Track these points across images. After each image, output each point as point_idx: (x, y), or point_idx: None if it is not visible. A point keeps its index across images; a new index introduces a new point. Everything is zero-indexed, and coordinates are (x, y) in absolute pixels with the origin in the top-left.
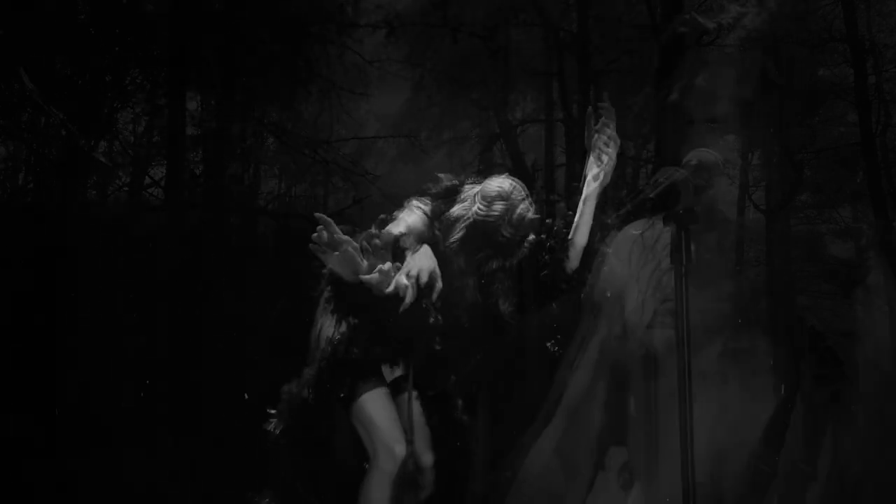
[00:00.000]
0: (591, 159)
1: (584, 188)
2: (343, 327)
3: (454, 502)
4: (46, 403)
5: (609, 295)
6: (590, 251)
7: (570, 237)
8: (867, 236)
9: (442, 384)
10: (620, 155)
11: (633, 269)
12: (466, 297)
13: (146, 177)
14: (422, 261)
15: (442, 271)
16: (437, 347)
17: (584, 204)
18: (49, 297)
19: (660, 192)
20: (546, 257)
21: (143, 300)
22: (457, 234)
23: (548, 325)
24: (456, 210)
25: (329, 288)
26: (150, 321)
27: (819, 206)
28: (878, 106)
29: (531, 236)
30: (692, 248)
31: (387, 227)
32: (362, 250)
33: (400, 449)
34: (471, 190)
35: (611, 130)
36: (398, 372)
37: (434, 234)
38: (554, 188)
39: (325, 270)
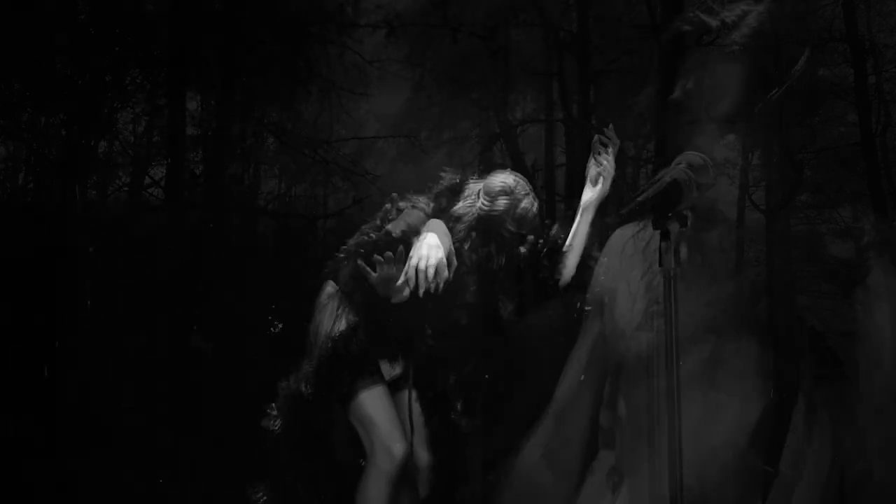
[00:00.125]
0: (592, 167)
1: (584, 196)
2: (343, 324)
3: (453, 501)
4: (46, 403)
5: (599, 296)
6: (586, 258)
7: (567, 244)
8: (868, 236)
9: (442, 385)
10: (620, 155)
11: (623, 271)
12: (467, 297)
13: (146, 177)
14: (430, 251)
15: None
16: (436, 347)
17: (581, 212)
18: (49, 297)
19: (661, 191)
20: (545, 262)
21: (143, 300)
22: (461, 230)
23: (547, 325)
24: (459, 206)
25: (344, 283)
26: (150, 321)
27: (819, 206)
28: (878, 106)
29: (531, 236)
30: (684, 251)
31: (388, 227)
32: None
33: (398, 448)
34: (474, 186)
35: (612, 148)
36: (398, 370)
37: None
38: (554, 188)
39: (345, 268)
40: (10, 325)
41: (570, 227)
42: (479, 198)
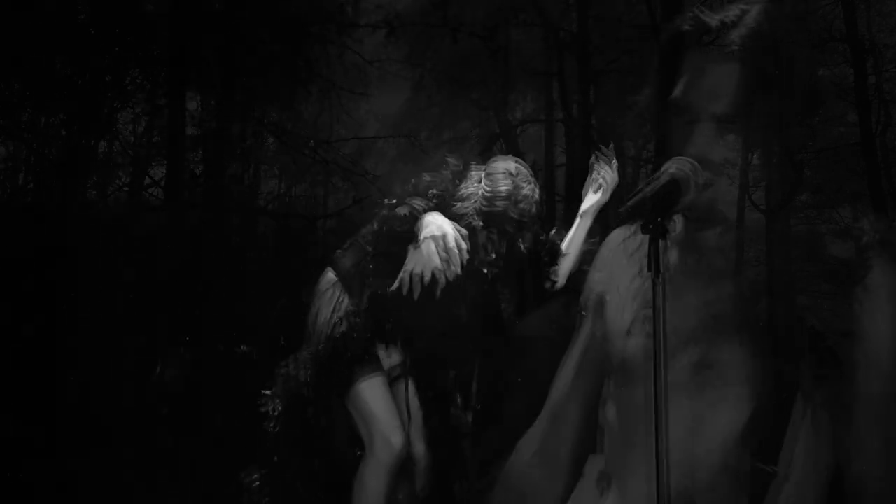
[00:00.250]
0: (593, 174)
1: (584, 202)
2: (342, 311)
3: (452, 500)
4: (46, 403)
5: (593, 298)
6: (582, 263)
7: (563, 247)
8: (867, 235)
9: (442, 386)
10: (620, 156)
11: (614, 275)
12: (468, 290)
13: (146, 177)
14: (426, 255)
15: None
16: (436, 339)
17: (580, 218)
18: (49, 297)
19: (660, 189)
20: (546, 258)
21: (143, 300)
22: (463, 214)
23: (547, 326)
24: (462, 190)
25: (344, 272)
26: (150, 321)
27: (819, 206)
28: (878, 106)
29: (532, 230)
30: (674, 255)
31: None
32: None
33: (397, 439)
34: (477, 172)
35: (613, 161)
36: (395, 358)
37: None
38: (554, 188)
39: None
40: (10, 325)
41: (569, 230)
42: (481, 182)
